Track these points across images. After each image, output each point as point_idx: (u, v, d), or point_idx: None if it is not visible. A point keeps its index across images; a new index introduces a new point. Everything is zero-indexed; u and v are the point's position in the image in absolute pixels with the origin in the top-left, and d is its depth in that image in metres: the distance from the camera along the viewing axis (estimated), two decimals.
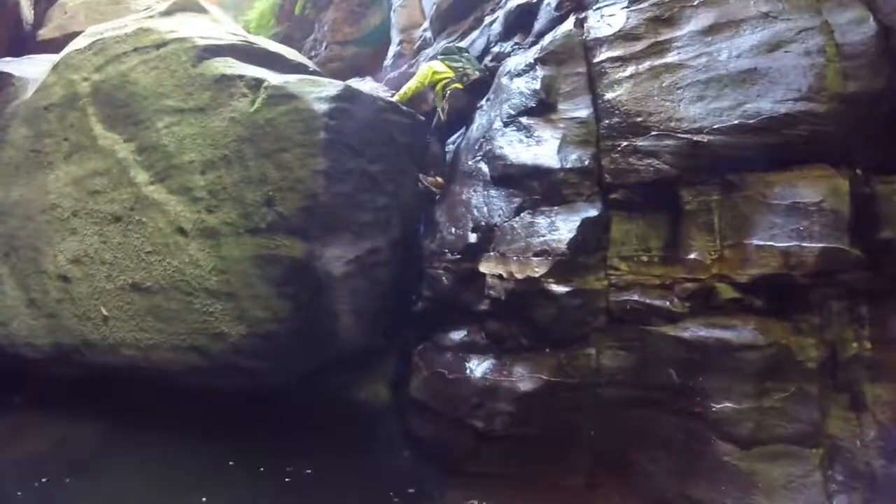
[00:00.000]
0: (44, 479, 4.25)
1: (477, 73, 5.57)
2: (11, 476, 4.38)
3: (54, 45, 7.87)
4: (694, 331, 3.43)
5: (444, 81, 5.62)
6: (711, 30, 3.77)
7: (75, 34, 7.00)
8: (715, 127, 3.51)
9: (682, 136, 3.60)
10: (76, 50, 5.85)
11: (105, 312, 4.97)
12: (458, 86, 5.53)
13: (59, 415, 5.11)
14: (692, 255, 3.54)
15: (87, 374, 5.21)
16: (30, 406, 5.41)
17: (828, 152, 3.29)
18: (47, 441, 4.87)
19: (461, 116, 5.49)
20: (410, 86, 5.71)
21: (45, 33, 9.24)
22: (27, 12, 8.83)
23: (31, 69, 6.48)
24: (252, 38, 5.73)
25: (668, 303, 3.55)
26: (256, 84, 4.65)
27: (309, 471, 4.28)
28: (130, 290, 4.89)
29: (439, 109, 5.60)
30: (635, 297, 3.64)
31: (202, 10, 6.32)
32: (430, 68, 5.73)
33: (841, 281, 3.17)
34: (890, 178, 3.24)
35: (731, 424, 3.26)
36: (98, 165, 5.26)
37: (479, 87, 5.48)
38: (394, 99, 5.58)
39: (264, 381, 4.71)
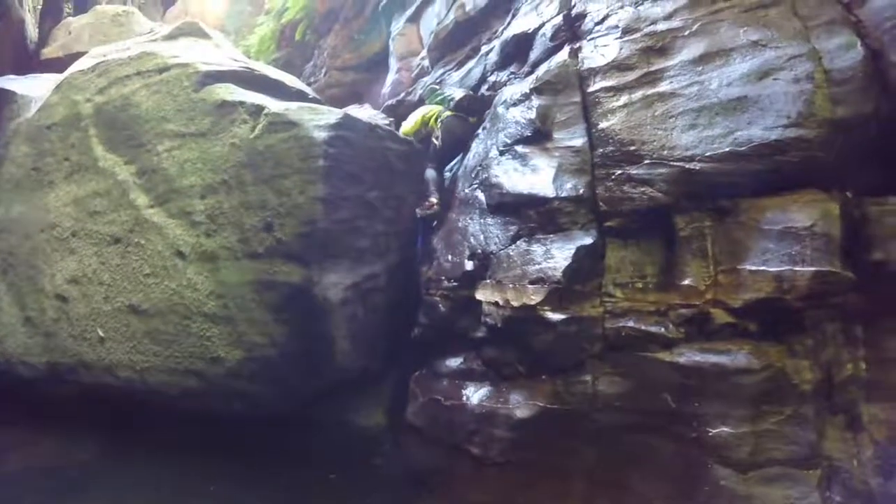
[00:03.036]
0: (36, 497, 4.21)
1: (461, 92, 5.79)
2: (4, 493, 4.34)
3: (58, 65, 7.95)
4: (689, 356, 3.44)
5: (436, 114, 5.80)
6: (702, 59, 3.85)
7: (79, 54, 7.13)
8: (707, 154, 3.56)
9: (675, 163, 3.66)
10: (80, 71, 5.95)
11: (101, 333, 4.98)
12: (450, 112, 5.68)
13: (53, 433, 5.10)
14: (687, 281, 3.57)
15: (82, 393, 5.20)
16: (24, 423, 5.37)
17: (819, 177, 3.33)
18: (41, 458, 4.85)
19: (457, 142, 5.60)
20: (404, 130, 5.95)
21: (48, 52, 9.34)
22: (31, 30, 8.93)
23: (35, 87, 6.57)
24: (253, 65, 5.82)
25: (663, 329, 3.56)
26: (257, 111, 4.72)
27: (305, 494, 4.24)
28: (128, 312, 4.91)
29: (434, 138, 5.71)
30: (631, 324, 3.66)
31: (204, 35, 6.43)
32: (420, 113, 5.97)
33: (834, 303, 3.19)
34: (881, 200, 3.29)
35: (728, 448, 3.26)
36: (98, 186, 5.31)
37: (471, 104, 5.67)
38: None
39: (260, 406, 4.70)
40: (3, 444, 5.11)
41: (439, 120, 5.71)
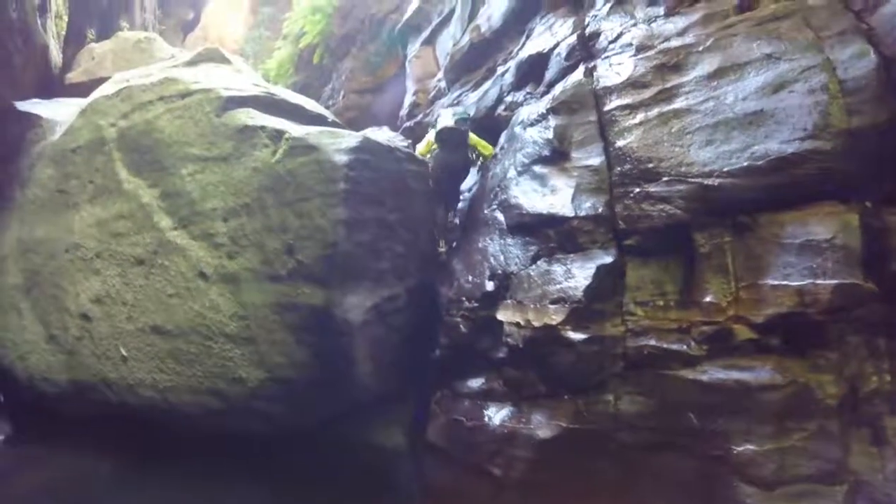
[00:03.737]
0: None
1: (447, 121, 5.60)
2: None
3: (82, 89, 8.14)
4: (712, 373, 3.42)
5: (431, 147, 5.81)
6: (717, 74, 3.85)
7: (102, 80, 7.30)
8: (725, 170, 3.56)
9: (693, 180, 3.66)
10: (104, 96, 6.09)
11: (124, 353, 5.04)
12: (436, 146, 5.69)
13: (74, 450, 5.14)
14: (708, 298, 3.55)
15: (103, 412, 5.25)
16: (46, 440, 5.43)
17: (837, 188, 3.31)
18: (62, 475, 4.90)
19: (451, 171, 5.65)
20: (420, 151, 5.89)
21: (72, 77, 9.57)
22: (56, 56, 9.16)
23: (59, 112, 6.74)
24: (273, 90, 5.93)
25: (685, 346, 3.54)
26: (278, 135, 4.81)
27: None
28: (151, 332, 4.98)
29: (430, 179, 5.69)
30: (652, 342, 3.64)
31: (225, 60, 6.59)
32: (428, 138, 5.93)
33: (857, 316, 3.15)
34: None
35: (752, 466, 3.22)
36: (122, 209, 5.42)
37: (449, 136, 5.56)
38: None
39: (281, 426, 4.72)
40: (25, 460, 5.18)
41: (431, 156, 5.71)
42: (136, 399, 5.02)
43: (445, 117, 5.66)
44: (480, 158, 5.76)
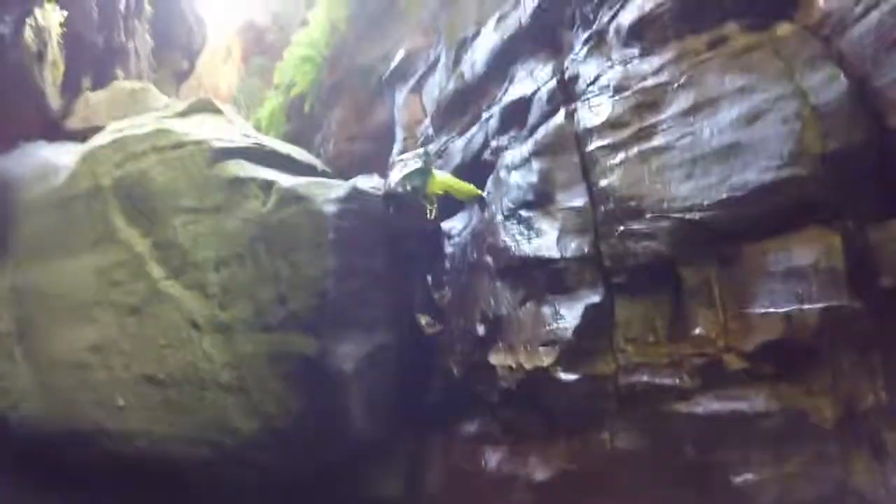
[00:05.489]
0: None
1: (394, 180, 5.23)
2: None
3: (80, 136, 8.19)
4: (706, 405, 3.40)
5: None
6: (692, 110, 3.89)
7: (98, 128, 7.37)
8: (705, 203, 3.59)
9: (675, 215, 3.70)
10: (99, 146, 6.14)
11: (121, 402, 4.97)
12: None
13: (69, 500, 5.01)
14: (697, 331, 3.55)
15: (98, 461, 5.14)
16: (39, 490, 5.27)
17: (817, 212, 3.32)
18: None
19: (407, 233, 5.36)
20: None
21: (70, 123, 9.66)
22: (55, 101, 9.31)
23: (59, 157, 6.70)
24: (264, 140, 6.04)
25: (677, 380, 3.53)
26: (268, 186, 4.91)
27: None
28: (145, 382, 4.92)
29: None
30: (644, 378, 3.64)
31: (217, 111, 6.73)
32: None
33: (847, 335, 3.14)
34: (882, 225, 3.23)
35: (753, 495, 3.18)
36: (118, 257, 5.41)
37: (390, 198, 5.23)
38: None
39: (276, 476, 4.65)
40: None
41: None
42: (131, 448, 4.91)
43: (395, 174, 5.26)
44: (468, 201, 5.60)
